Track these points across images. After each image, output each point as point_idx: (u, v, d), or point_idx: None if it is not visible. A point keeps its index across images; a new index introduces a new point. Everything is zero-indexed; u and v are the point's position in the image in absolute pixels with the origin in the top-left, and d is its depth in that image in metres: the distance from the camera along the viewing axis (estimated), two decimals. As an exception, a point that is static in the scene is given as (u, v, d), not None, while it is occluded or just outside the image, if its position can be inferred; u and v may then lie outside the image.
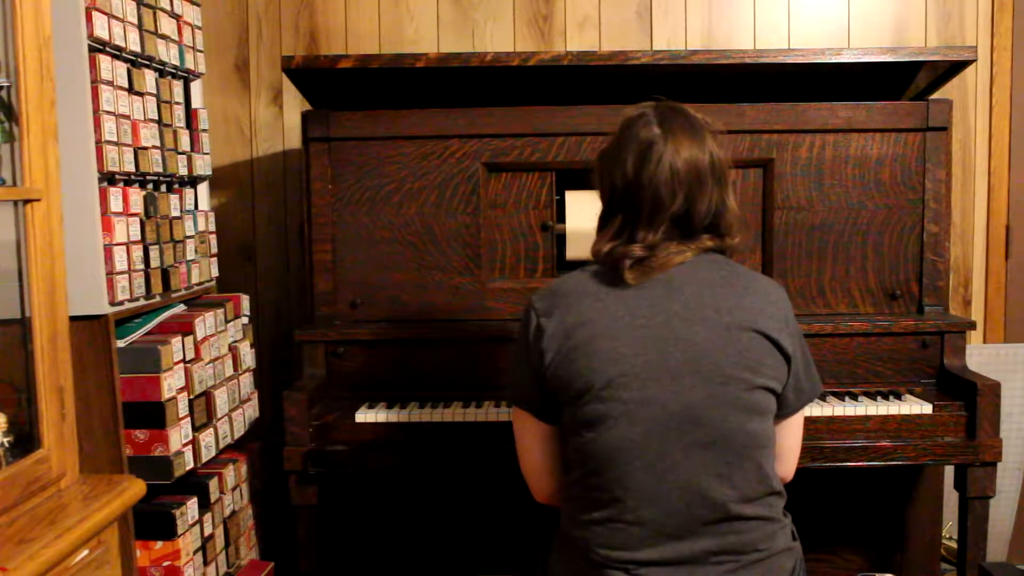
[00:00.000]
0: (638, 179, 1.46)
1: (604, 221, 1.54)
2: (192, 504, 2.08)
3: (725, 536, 1.42)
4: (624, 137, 1.51)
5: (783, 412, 1.51)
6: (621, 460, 1.41)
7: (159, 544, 2.00)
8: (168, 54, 2.16)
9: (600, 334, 1.44)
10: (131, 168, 1.96)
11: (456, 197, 2.30)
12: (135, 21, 2.01)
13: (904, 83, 2.37)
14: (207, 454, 2.13)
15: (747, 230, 2.31)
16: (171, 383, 1.97)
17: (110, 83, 1.88)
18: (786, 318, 1.49)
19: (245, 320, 2.45)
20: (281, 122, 2.85)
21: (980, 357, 2.72)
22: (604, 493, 1.43)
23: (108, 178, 1.90)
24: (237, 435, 2.33)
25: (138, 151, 1.98)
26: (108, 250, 1.86)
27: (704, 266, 1.49)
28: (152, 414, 1.93)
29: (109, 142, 1.87)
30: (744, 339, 1.43)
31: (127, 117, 1.95)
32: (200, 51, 2.35)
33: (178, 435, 1.98)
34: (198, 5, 2.36)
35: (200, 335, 2.14)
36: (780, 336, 1.46)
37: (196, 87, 2.37)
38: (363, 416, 2.11)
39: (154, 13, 2.09)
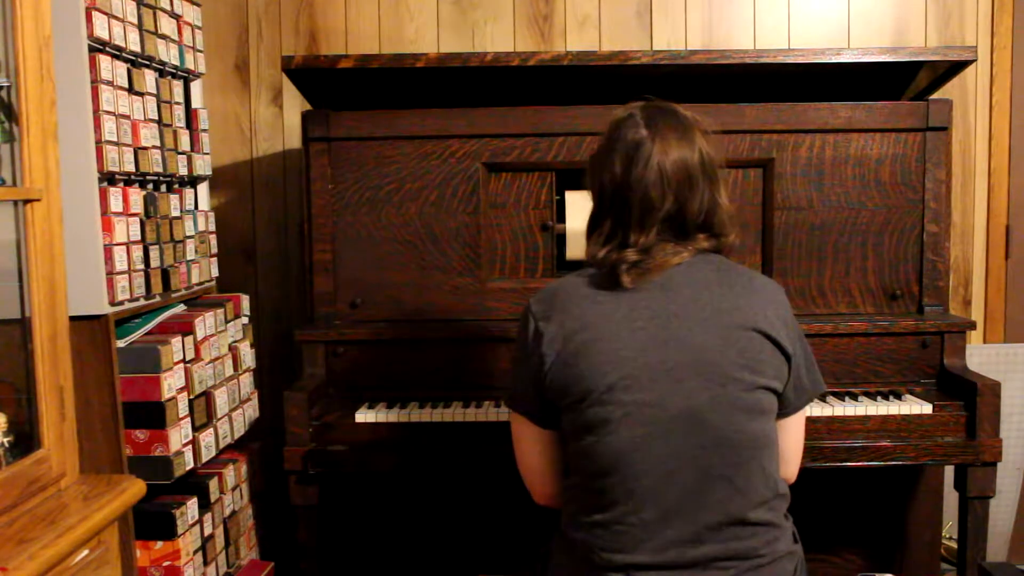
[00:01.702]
0: (627, 180, 1.46)
1: (594, 223, 1.54)
2: (192, 504, 2.08)
3: (728, 542, 1.41)
4: (612, 139, 1.50)
5: (784, 411, 1.51)
6: (623, 463, 1.41)
7: (159, 544, 2.00)
8: (168, 54, 2.16)
9: (599, 337, 1.43)
10: (131, 168, 1.96)
11: (456, 197, 2.30)
12: (135, 21, 2.01)
13: (904, 83, 2.37)
14: (207, 454, 2.13)
15: (746, 230, 2.32)
16: (171, 383, 1.97)
17: (110, 83, 1.88)
18: (785, 317, 1.49)
19: (245, 320, 2.45)
20: (281, 122, 2.85)
21: (980, 357, 2.72)
22: (606, 496, 1.43)
23: (108, 178, 1.90)
24: (237, 435, 2.33)
25: (138, 151, 1.98)
26: (108, 250, 1.86)
27: (702, 266, 1.48)
28: (152, 414, 1.93)
29: (109, 142, 1.87)
30: (744, 339, 1.43)
31: (127, 117, 1.95)
32: (200, 51, 2.35)
33: (178, 435, 1.98)
34: (198, 5, 2.36)
35: (200, 335, 2.14)
36: (780, 335, 1.45)
37: (196, 87, 2.37)
38: (363, 416, 2.11)
39: (154, 13, 2.10)
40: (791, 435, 1.56)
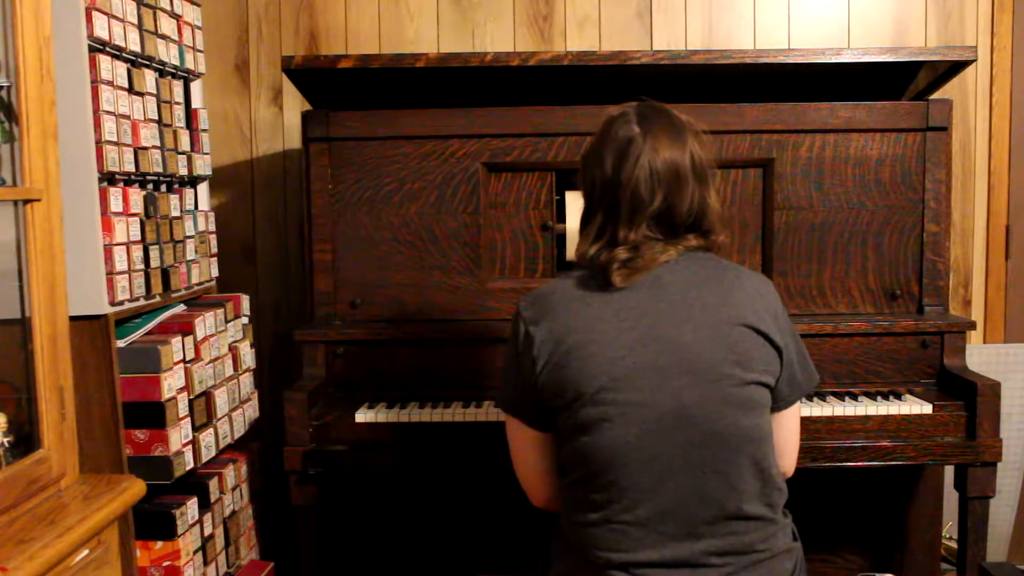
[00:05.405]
0: (617, 177, 1.47)
1: (585, 221, 1.55)
2: (192, 504, 2.08)
3: (725, 537, 1.42)
4: (604, 136, 1.51)
5: (778, 405, 1.51)
6: (617, 462, 1.41)
7: (159, 544, 2.00)
8: (168, 54, 2.16)
9: (590, 339, 1.44)
10: (131, 168, 1.96)
11: (456, 197, 2.30)
12: (135, 21, 2.01)
13: (904, 83, 2.37)
14: (207, 454, 2.13)
15: (745, 230, 2.32)
16: (171, 383, 1.97)
17: (110, 83, 1.88)
18: (775, 311, 1.49)
19: (245, 320, 2.45)
20: (281, 122, 2.85)
21: (980, 357, 2.72)
22: (601, 495, 1.43)
23: (108, 178, 1.90)
24: (237, 435, 2.33)
25: (138, 151, 1.98)
26: (108, 250, 1.86)
27: (689, 264, 1.49)
28: (152, 414, 1.93)
29: (109, 142, 1.87)
30: (734, 334, 1.43)
31: (127, 117, 1.95)
32: (200, 51, 2.35)
33: (178, 435, 1.98)
34: (198, 5, 2.36)
35: (200, 335, 2.14)
36: (769, 329, 1.46)
37: (196, 87, 2.37)
38: (363, 416, 2.11)
39: (154, 13, 2.09)
40: (786, 428, 1.56)
